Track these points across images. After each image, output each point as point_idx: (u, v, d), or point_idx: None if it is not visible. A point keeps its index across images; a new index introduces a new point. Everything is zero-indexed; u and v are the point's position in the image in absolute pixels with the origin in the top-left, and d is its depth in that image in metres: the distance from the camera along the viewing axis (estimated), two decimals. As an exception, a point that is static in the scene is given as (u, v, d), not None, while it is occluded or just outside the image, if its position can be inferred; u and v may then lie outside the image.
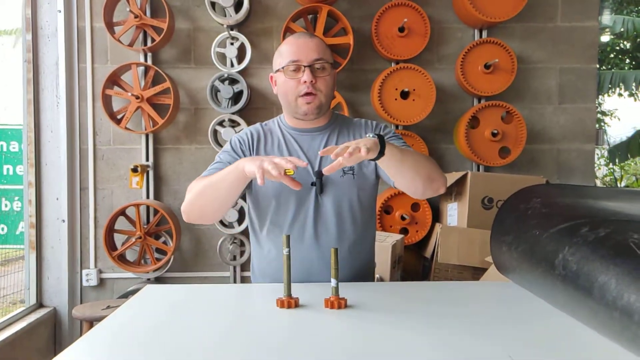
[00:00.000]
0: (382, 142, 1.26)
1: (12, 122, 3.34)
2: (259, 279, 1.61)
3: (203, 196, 1.41)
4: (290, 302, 1.22)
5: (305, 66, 1.43)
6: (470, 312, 1.22)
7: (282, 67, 1.46)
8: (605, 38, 9.37)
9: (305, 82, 1.43)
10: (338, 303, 1.21)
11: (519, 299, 1.32)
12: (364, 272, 1.59)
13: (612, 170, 10.00)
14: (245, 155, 1.53)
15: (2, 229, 3.25)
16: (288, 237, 1.23)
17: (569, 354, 0.96)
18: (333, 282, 1.21)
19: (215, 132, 3.14)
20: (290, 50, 1.46)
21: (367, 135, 1.28)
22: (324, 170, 1.24)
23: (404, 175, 1.38)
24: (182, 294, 1.43)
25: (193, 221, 1.47)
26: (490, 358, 0.93)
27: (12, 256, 3.37)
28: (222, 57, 3.16)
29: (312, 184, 1.48)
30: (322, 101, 1.47)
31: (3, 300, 3.18)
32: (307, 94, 1.45)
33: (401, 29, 3.06)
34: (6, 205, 3.25)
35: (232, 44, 3.13)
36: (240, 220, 3.15)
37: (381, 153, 1.26)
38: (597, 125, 3.45)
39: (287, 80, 1.46)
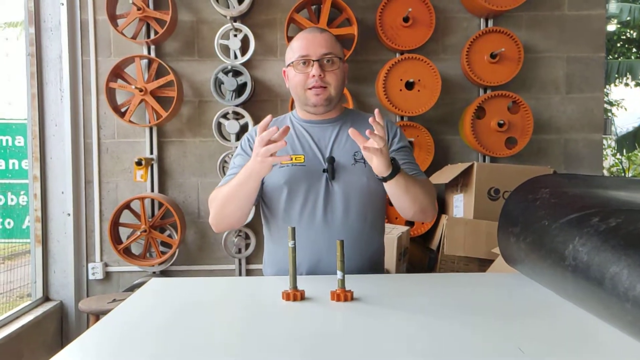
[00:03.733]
0: (396, 167, 1.34)
1: (17, 116, 3.34)
2: (272, 270, 1.61)
3: (226, 208, 1.48)
4: (296, 295, 1.21)
5: (314, 60, 1.47)
6: (478, 304, 1.20)
7: (292, 62, 1.50)
8: (611, 27, 9.27)
9: (313, 76, 1.47)
10: (344, 295, 1.19)
11: (527, 291, 1.30)
12: (374, 262, 1.59)
13: (619, 160, 9.93)
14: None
15: (9, 223, 3.26)
16: (294, 229, 1.22)
17: (580, 346, 0.95)
18: (339, 274, 1.20)
19: (219, 124, 3.12)
20: (300, 46, 1.50)
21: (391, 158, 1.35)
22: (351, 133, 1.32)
23: (400, 201, 1.44)
24: (187, 287, 1.42)
25: (223, 231, 1.56)
26: (499, 350, 0.92)
27: (19, 250, 3.38)
28: (226, 49, 3.14)
29: (324, 170, 1.51)
30: (331, 93, 1.51)
31: (11, 294, 3.19)
32: (316, 86, 1.49)
33: (406, 19, 3.03)
34: (12, 200, 3.26)
35: (235, 35, 3.11)
36: (245, 213, 3.14)
37: (390, 176, 1.34)
38: (604, 115, 3.42)
39: (297, 74, 1.50)
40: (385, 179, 1.35)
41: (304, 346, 0.95)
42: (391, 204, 1.50)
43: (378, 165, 1.32)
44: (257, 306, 1.23)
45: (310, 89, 1.49)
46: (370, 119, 1.29)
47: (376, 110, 1.32)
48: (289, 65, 1.53)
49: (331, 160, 1.51)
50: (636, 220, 1.00)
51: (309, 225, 1.50)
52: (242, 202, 1.45)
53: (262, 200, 1.60)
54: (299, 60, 1.48)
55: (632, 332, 0.92)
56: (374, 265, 1.58)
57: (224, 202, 1.47)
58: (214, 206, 1.50)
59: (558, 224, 1.17)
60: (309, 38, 1.50)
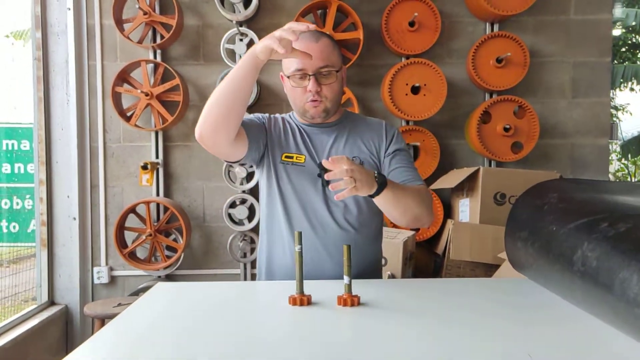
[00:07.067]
0: (381, 182, 1.30)
1: (22, 120, 3.35)
2: (265, 269, 1.60)
3: (218, 96, 1.36)
4: (302, 300, 1.21)
5: (310, 75, 1.45)
6: (486, 310, 1.19)
7: (289, 75, 1.48)
8: (616, 32, 9.25)
9: (310, 90, 1.46)
10: (351, 300, 1.19)
11: (535, 296, 1.29)
12: (370, 268, 1.58)
13: (625, 165, 9.89)
14: (264, 124, 1.57)
15: (14, 227, 3.27)
16: (300, 233, 1.22)
17: (590, 352, 0.94)
18: (346, 279, 1.20)
19: (224, 129, 3.12)
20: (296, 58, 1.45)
21: (374, 174, 1.31)
22: (324, 163, 1.27)
23: (391, 213, 1.42)
24: (193, 292, 1.42)
25: (206, 137, 1.39)
26: (509, 357, 0.91)
27: (24, 254, 3.38)
28: (231, 53, 3.15)
29: (319, 175, 1.50)
30: (327, 106, 1.50)
31: (15, 298, 3.20)
32: (313, 99, 1.48)
33: (411, 24, 3.03)
34: (17, 204, 3.27)
35: (241, 40, 3.12)
36: (250, 218, 3.15)
37: (377, 193, 1.30)
38: (610, 120, 3.40)
39: (294, 87, 1.49)
40: (372, 196, 1.33)
41: (312, 351, 0.95)
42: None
43: (361, 193, 1.29)
44: (264, 311, 1.23)
45: (307, 102, 1.48)
46: (325, 163, 1.26)
47: (324, 160, 1.27)
48: (286, 75, 1.51)
49: (322, 166, 1.46)
50: (646, 226, 0.99)
51: (308, 228, 1.50)
52: (235, 85, 1.34)
53: (263, 195, 1.59)
54: (295, 73, 1.46)
55: (642, 338, 0.91)
56: (371, 271, 1.57)
57: (217, 91, 1.36)
58: (205, 104, 1.38)
59: (566, 229, 1.16)
60: (304, 49, 1.39)
